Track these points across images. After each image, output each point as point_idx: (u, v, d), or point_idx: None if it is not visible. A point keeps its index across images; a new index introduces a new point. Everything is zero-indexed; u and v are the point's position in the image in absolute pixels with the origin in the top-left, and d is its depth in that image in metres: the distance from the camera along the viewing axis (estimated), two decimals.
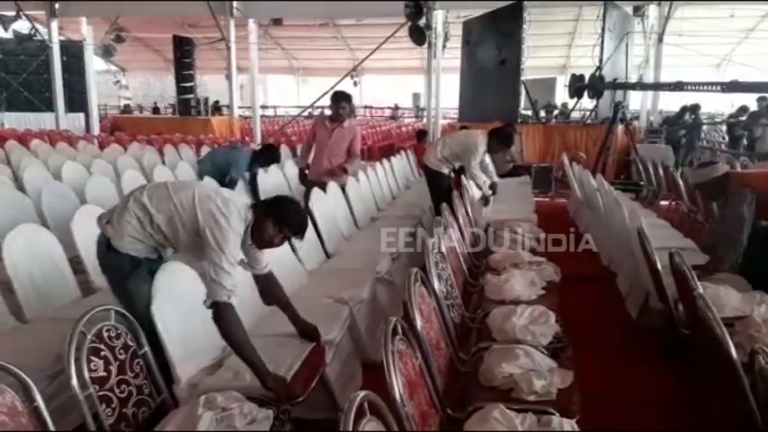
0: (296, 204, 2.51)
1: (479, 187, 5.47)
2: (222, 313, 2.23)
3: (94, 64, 16.43)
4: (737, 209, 3.49)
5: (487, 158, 5.61)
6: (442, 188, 5.40)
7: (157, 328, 2.29)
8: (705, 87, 8.37)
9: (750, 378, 2.09)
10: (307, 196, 4.80)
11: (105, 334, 2.09)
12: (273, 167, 6.82)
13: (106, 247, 2.43)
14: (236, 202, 2.37)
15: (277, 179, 6.97)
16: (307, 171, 5.58)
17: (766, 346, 2.09)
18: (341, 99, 5.27)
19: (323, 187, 4.89)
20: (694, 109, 11.67)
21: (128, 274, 2.41)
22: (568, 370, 2.31)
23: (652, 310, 3.77)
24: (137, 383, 2.15)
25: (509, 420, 1.89)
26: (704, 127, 12.75)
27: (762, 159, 8.17)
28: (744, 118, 11.14)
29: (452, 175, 5.66)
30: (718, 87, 7.96)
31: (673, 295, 3.25)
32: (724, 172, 3.71)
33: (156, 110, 20.92)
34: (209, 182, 5.03)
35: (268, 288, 2.68)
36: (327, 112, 5.61)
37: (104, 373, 2.02)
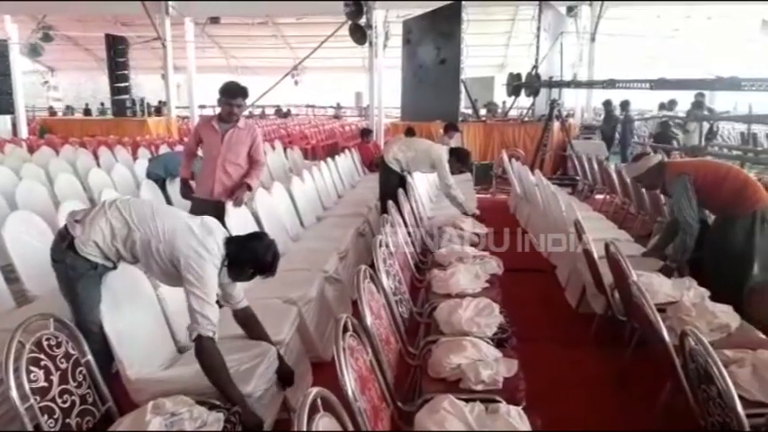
0: (268, 245, 2.46)
1: (459, 206, 5.25)
2: (205, 346, 2.21)
3: (21, 64, 15.64)
4: (681, 191, 3.65)
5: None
6: (391, 185, 5.25)
7: (105, 329, 2.24)
8: (635, 85, 8.72)
9: (681, 359, 2.24)
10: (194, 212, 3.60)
11: (45, 343, 2.02)
12: None
13: (67, 245, 2.36)
14: (216, 237, 2.37)
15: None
16: (192, 182, 4.47)
17: (695, 328, 2.22)
18: (236, 94, 4.07)
19: (215, 207, 3.90)
20: (624, 105, 12.16)
21: (81, 275, 2.35)
22: (513, 359, 2.39)
23: (590, 298, 3.95)
24: (80, 393, 2.09)
25: (458, 410, 1.94)
26: (635, 122, 13.29)
27: (689, 154, 8.59)
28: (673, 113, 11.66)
29: (406, 175, 5.53)
30: (647, 85, 8.31)
31: (609, 283, 3.42)
32: (658, 161, 3.91)
33: (87, 111, 20.11)
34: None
35: (249, 325, 2.63)
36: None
37: (45, 384, 1.95)
